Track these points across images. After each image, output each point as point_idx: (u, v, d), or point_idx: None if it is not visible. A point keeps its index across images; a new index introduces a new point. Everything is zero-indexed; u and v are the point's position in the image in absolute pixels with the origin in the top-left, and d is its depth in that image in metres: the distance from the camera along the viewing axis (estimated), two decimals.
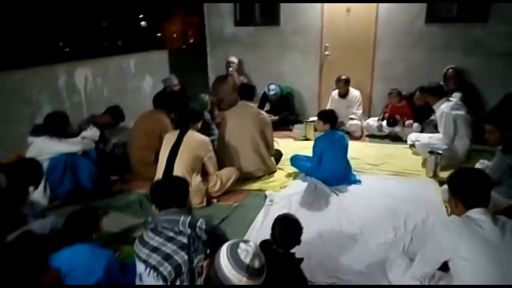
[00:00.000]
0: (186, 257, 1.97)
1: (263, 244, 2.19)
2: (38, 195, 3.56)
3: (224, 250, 1.59)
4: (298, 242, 2.23)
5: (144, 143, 4.21)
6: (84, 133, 3.97)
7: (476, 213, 1.93)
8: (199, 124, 3.94)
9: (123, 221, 3.38)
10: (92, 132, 4.06)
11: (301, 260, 2.27)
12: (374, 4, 5.96)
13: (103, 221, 3.27)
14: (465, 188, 2.02)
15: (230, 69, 6.48)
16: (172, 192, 2.26)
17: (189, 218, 2.07)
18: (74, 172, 3.76)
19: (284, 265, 2.15)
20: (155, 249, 2.00)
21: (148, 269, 1.98)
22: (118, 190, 4.03)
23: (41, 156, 3.58)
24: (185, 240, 2.00)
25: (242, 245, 1.57)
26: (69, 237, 2.26)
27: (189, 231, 2.02)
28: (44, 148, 3.66)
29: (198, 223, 2.06)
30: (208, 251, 2.02)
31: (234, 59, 6.57)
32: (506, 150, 3.23)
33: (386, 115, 5.59)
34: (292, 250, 2.27)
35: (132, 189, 4.06)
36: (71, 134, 3.87)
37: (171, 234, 2.03)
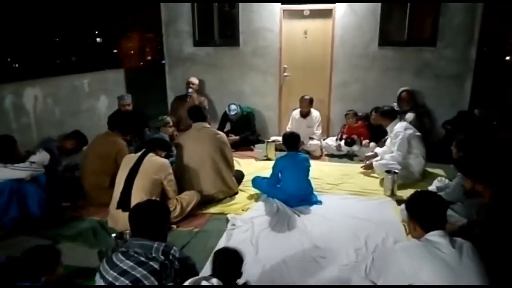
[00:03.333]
0: (156, 283, 1.94)
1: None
2: None
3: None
4: (239, 275, 2.19)
5: (98, 167, 4.02)
6: (32, 158, 3.71)
7: (434, 236, 1.97)
8: (164, 154, 3.84)
9: (75, 252, 3.18)
10: (41, 156, 3.80)
11: None
12: (330, 27, 6.15)
13: None
14: (422, 211, 2.06)
15: (190, 90, 6.39)
16: (151, 221, 2.16)
17: (163, 245, 2.07)
18: (21, 199, 3.52)
19: None
20: (124, 272, 1.95)
21: None
22: (69, 217, 3.79)
23: None
24: (157, 266, 1.97)
25: (204, 282, 1.50)
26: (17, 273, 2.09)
27: (162, 258, 2.01)
28: None
29: (172, 251, 2.08)
30: (178, 280, 2.03)
31: (194, 80, 6.50)
32: (459, 169, 3.34)
33: (344, 135, 5.72)
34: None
35: (85, 216, 3.84)
36: (18, 159, 3.62)
37: (142, 258, 1.99)
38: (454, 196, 3.35)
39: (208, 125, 4.43)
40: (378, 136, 5.47)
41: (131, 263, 1.97)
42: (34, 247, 2.20)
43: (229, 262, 2.17)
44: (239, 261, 2.21)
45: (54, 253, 2.23)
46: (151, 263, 1.97)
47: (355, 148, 5.56)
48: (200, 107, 4.67)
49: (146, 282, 1.93)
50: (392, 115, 4.81)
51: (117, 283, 1.93)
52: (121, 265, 1.97)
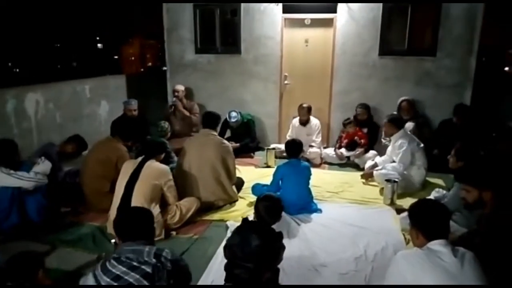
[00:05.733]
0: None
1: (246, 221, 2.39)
2: None
3: None
4: (278, 219, 2.53)
5: (99, 172, 4.01)
6: (36, 168, 3.62)
7: (437, 245, 1.96)
8: (162, 156, 3.84)
9: (74, 257, 3.17)
10: (44, 166, 3.71)
11: (281, 234, 2.44)
12: (331, 36, 6.20)
13: (51, 257, 3.09)
14: (426, 220, 2.05)
15: (173, 99, 6.39)
16: (138, 225, 2.21)
17: (154, 248, 2.09)
18: (21, 205, 3.50)
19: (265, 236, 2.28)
20: (117, 278, 1.95)
21: None
22: (69, 223, 3.78)
23: None
24: (149, 269, 1.98)
25: None
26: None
27: (154, 260, 2.03)
28: None
29: (164, 253, 2.10)
30: (171, 281, 2.06)
31: (179, 87, 6.47)
32: (457, 179, 3.34)
33: (343, 143, 5.74)
34: None
35: (84, 221, 3.83)
36: (19, 164, 3.60)
37: (134, 263, 2.00)
38: (452, 206, 3.33)
39: (215, 133, 4.39)
40: (372, 137, 5.69)
41: (124, 268, 1.97)
42: (14, 255, 2.15)
43: (271, 206, 2.49)
44: (280, 207, 2.53)
45: (33, 260, 2.17)
46: (143, 267, 1.98)
47: (358, 150, 5.55)
48: (217, 115, 4.54)
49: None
50: (400, 124, 4.78)
51: None
52: (113, 270, 1.97)
